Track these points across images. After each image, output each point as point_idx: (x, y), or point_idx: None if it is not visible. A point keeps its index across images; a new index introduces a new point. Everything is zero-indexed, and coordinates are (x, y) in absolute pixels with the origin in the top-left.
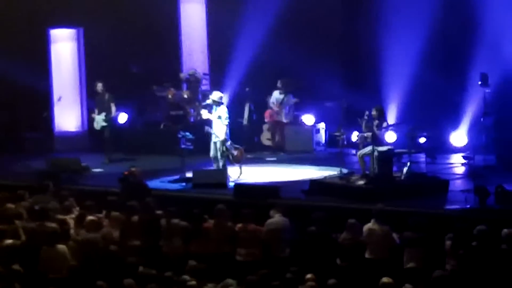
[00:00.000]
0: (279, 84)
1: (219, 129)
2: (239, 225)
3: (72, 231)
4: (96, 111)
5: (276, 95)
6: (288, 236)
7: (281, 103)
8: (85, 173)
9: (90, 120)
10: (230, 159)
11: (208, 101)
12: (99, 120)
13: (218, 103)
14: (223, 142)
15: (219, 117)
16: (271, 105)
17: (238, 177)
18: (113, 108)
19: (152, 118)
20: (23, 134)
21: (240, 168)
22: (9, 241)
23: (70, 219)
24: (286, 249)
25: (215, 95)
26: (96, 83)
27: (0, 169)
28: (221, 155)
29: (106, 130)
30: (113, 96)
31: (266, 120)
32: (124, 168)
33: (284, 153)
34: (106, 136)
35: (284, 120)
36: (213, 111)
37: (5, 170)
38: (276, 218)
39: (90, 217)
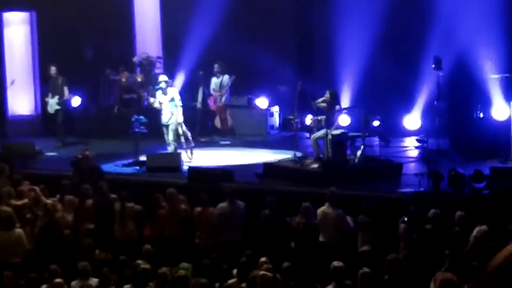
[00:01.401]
0: (215, 69)
1: (171, 111)
2: (198, 208)
3: (28, 216)
4: (50, 94)
5: (215, 80)
6: (240, 220)
7: (220, 87)
8: (38, 157)
9: (44, 104)
10: (186, 141)
11: (161, 85)
12: (53, 104)
13: (168, 85)
14: (180, 124)
15: (172, 99)
16: (212, 92)
17: (190, 159)
18: (66, 92)
19: (106, 102)
20: None
21: (191, 149)
22: None
23: (25, 203)
24: (239, 233)
25: (164, 77)
26: (49, 67)
27: None
28: (175, 138)
29: (60, 113)
30: (66, 79)
31: (210, 107)
32: (78, 152)
33: (237, 136)
34: (59, 120)
35: (226, 104)
36: (161, 94)
37: None
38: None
39: (45, 201)
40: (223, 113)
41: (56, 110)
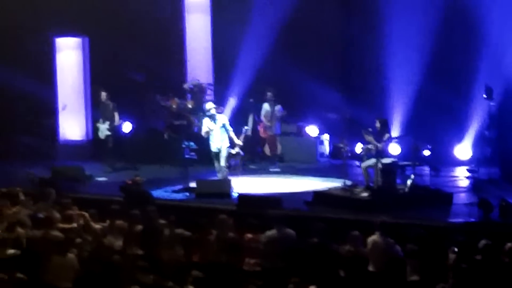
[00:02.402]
0: (268, 96)
1: (221, 138)
2: (248, 235)
3: (76, 240)
4: (101, 120)
5: (266, 107)
6: (289, 247)
7: (271, 116)
8: (88, 181)
9: (95, 129)
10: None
11: (212, 111)
12: (103, 129)
13: (217, 113)
14: (227, 149)
15: (223, 125)
16: (262, 118)
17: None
18: (117, 117)
19: (155, 127)
20: (27, 142)
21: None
22: (12, 250)
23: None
24: (286, 260)
25: (210, 105)
26: (100, 92)
27: (3, 176)
28: (225, 164)
29: (110, 139)
30: (116, 105)
31: (260, 135)
32: (127, 177)
33: (286, 164)
34: (109, 145)
35: (276, 133)
36: (208, 121)
37: (8, 178)
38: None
39: (93, 226)
40: (272, 141)
41: (107, 136)
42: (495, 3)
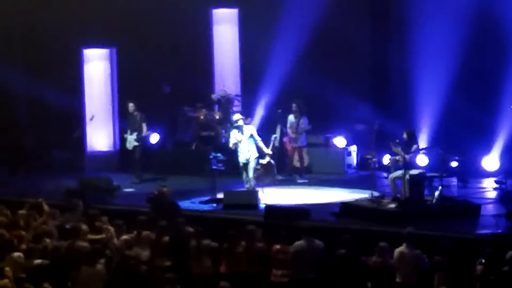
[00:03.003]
0: (293, 108)
1: (249, 149)
2: (276, 246)
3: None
4: (128, 131)
5: (291, 118)
6: (317, 258)
7: (296, 128)
8: (116, 193)
9: (123, 140)
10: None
11: (240, 122)
12: (131, 140)
13: (245, 124)
14: (256, 160)
15: (251, 136)
16: (288, 130)
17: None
18: (145, 128)
19: (183, 138)
20: (55, 153)
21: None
22: (39, 261)
23: (101, 238)
24: (314, 272)
25: (237, 116)
26: (127, 103)
27: (31, 188)
28: (253, 175)
29: (137, 150)
30: (144, 116)
31: (286, 146)
32: (155, 188)
33: (314, 175)
34: (136, 156)
35: (302, 145)
36: (237, 133)
37: (37, 189)
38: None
39: (123, 237)
40: (299, 153)
41: (134, 146)
42: None
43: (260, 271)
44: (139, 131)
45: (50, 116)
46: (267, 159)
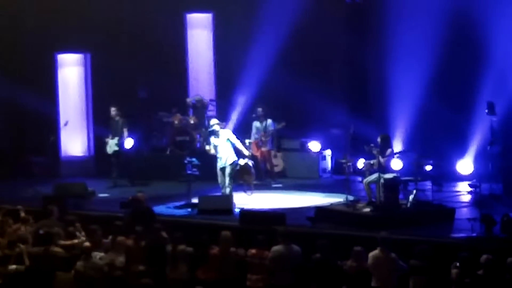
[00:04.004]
0: (258, 113)
1: (226, 154)
2: (252, 250)
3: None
4: (110, 135)
5: (257, 124)
6: (295, 263)
7: (265, 131)
8: (91, 198)
9: (103, 144)
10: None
11: (215, 127)
12: (112, 145)
13: (221, 128)
14: (233, 166)
15: (228, 140)
16: (255, 136)
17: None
18: (126, 133)
19: (158, 143)
20: (30, 158)
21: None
22: (14, 266)
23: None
24: (291, 277)
25: (213, 121)
26: (110, 108)
27: (6, 193)
28: (229, 181)
29: (117, 154)
30: (126, 121)
31: (254, 153)
32: (130, 194)
33: (289, 179)
34: (116, 161)
35: (270, 148)
36: (213, 138)
37: (11, 195)
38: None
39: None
40: (268, 158)
41: (115, 151)
42: (498, 21)
43: (235, 276)
44: (121, 136)
45: (26, 121)
46: (246, 160)
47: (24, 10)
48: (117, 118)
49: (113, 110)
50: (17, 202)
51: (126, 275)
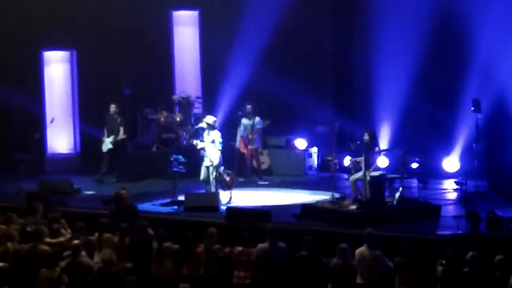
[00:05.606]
0: (247, 110)
1: (212, 154)
2: (239, 248)
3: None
4: (106, 133)
5: (245, 121)
6: (280, 261)
7: (251, 129)
8: (76, 195)
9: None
10: (222, 185)
11: (201, 125)
12: (107, 143)
13: (212, 127)
14: (216, 167)
15: (213, 142)
16: (241, 133)
17: (228, 201)
18: (121, 132)
19: (144, 141)
20: (15, 155)
21: (231, 193)
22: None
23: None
24: (277, 274)
25: (209, 119)
26: (110, 104)
27: None
28: (213, 179)
29: (110, 152)
30: (123, 120)
31: (241, 150)
32: (115, 191)
33: (275, 177)
34: (107, 158)
35: (257, 146)
36: (206, 135)
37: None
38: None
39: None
40: (255, 156)
41: (109, 149)
42: (483, 18)
43: (222, 273)
44: (117, 134)
45: (12, 118)
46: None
47: (9, 7)
48: (116, 116)
49: (112, 108)
50: (1, 198)
51: (113, 271)
